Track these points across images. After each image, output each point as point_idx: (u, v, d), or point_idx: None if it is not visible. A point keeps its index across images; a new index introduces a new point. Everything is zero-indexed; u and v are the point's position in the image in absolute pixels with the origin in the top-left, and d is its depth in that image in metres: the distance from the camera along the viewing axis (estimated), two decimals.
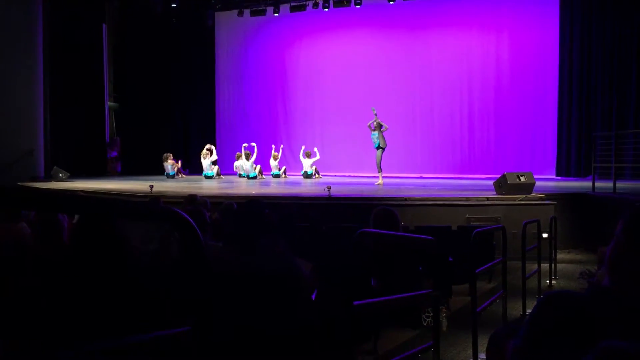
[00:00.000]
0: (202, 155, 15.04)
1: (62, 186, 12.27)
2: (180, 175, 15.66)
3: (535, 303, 1.83)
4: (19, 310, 2.23)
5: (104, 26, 16.90)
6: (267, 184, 13.52)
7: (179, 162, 16.34)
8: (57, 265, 2.64)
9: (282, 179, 14.96)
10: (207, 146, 15.10)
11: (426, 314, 4.42)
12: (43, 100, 14.61)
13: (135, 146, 17.58)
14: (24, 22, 14.12)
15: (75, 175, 14.49)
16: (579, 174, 13.55)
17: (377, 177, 12.47)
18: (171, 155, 15.56)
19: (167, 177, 15.07)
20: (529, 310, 4.93)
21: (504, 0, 14.91)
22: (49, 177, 13.93)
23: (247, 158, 14.87)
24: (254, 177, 14.70)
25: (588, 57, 13.75)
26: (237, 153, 15.37)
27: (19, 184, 12.23)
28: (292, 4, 16.30)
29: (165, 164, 15.28)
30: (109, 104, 17.62)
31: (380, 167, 12.27)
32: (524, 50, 14.51)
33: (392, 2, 14.95)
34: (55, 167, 14.23)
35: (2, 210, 4.59)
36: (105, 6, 17.07)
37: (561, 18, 14.13)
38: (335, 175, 15.58)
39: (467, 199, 8.67)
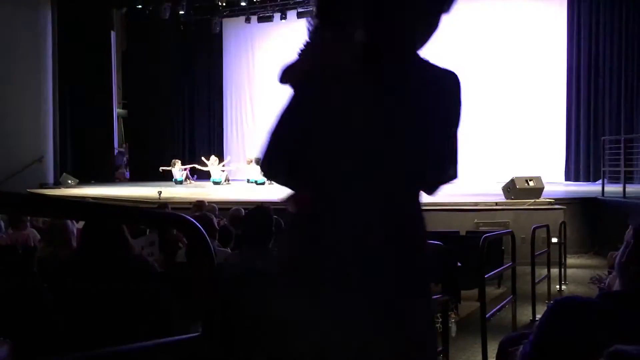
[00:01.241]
0: (209, 163, 15.13)
1: (71, 193, 12.34)
2: (188, 182, 15.70)
3: (545, 308, 1.82)
4: (28, 313, 2.25)
5: (113, 33, 17.02)
6: (275, 190, 13.53)
7: (187, 168, 16.42)
8: (65, 270, 2.66)
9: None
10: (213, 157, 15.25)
11: (435, 320, 4.41)
12: (52, 108, 14.72)
13: (143, 152, 17.66)
14: (34, 30, 14.25)
15: (84, 181, 14.58)
16: (588, 179, 13.48)
17: None
18: (179, 161, 15.63)
19: (175, 183, 15.12)
20: (538, 316, 4.89)
21: (512, 5, 14.88)
22: (58, 184, 14.02)
23: (258, 163, 14.93)
24: (262, 184, 14.74)
25: (596, 60, 13.71)
26: (247, 159, 15.41)
27: (29, 190, 12.31)
28: (299, 10, 16.34)
29: (173, 169, 15.35)
30: (118, 110, 17.73)
31: None
32: (532, 54, 14.46)
33: None
34: (64, 173, 14.33)
35: (12, 216, 4.62)
36: (114, 13, 17.20)
37: (569, 21, 14.10)
38: None
39: (476, 204, 8.64)
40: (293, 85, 1.64)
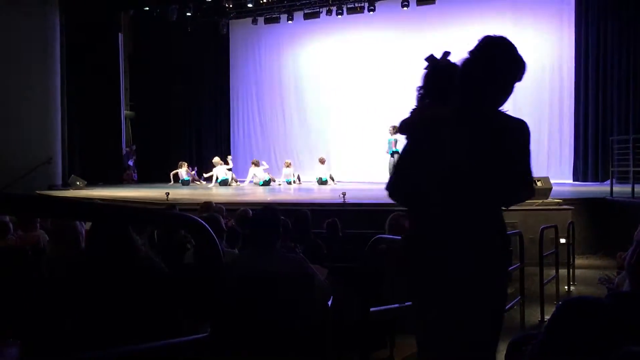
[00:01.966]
0: (214, 164, 15.24)
1: (79, 194, 12.40)
2: (195, 182, 15.83)
3: (553, 309, 1.81)
4: (38, 314, 2.26)
5: (120, 35, 17.10)
6: (283, 190, 13.55)
7: (195, 169, 16.51)
8: (74, 271, 2.67)
9: (296, 186, 14.99)
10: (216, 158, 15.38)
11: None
12: (60, 109, 14.80)
13: (151, 154, 17.73)
14: (42, 32, 14.33)
15: (92, 183, 14.64)
16: (596, 179, 13.41)
17: None
18: (186, 163, 15.77)
19: (182, 184, 15.26)
20: (547, 317, 4.87)
21: (520, 5, 14.84)
22: (67, 186, 14.09)
23: (257, 165, 15.04)
24: (267, 183, 14.80)
25: (604, 60, 13.64)
26: (255, 160, 15.48)
27: (38, 192, 12.38)
28: (306, 11, 16.35)
29: (179, 171, 15.52)
30: (125, 112, 17.80)
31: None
32: (540, 54, 14.40)
33: (405, 8, 14.95)
34: (72, 175, 14.39)
35: (21, 218, 4.65)
36: (121, 16, 17.28)
37: (577, 22, 14.04)
38: (350, 182, 15.56)
39: None
40: (408, 134, 2.30)
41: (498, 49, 2.14)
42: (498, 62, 2.13)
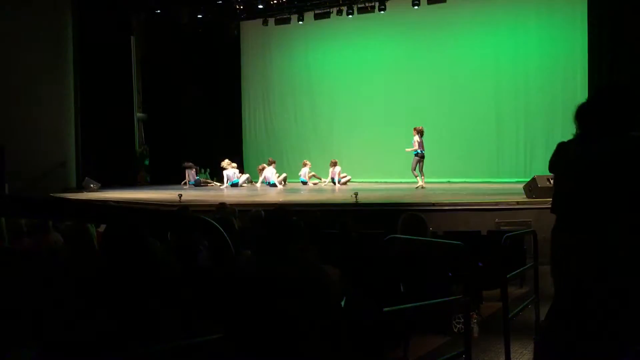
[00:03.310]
0: (224, 166, 15.37)
1: (93, 196, 12.50)
2: (208, 185, 16.00)
3: None
4: (53, 317, 2.28)
5: (132, 38, 17.21)
6: (294, 191, 13.57)
7: (206, 171, 16.67)
8: (89, 273, 2.69)
9: (309, 186, 15.01)
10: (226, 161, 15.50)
11: (457, 320, 4.38)
12: (74, 112, 14.92)
13: (163, 156, 17.82)
14: (54, 36, 14.46)
15: (106, 185, 14.75)
16: None
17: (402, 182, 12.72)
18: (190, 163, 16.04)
19: (197, 185, 15.56)
20: None
21: (532, 3, 14.72)
22: (81, 188, 14.20)
23: (269, 164, 15.16)
24: (274, 185, 14.90)
25: (619, 56, 13.49)
26: (270, 160, 15.57)
27: (52, 194, 12.49)
28: (317, 11, 16.35)
29: (188, 172, 15.82)
30: (138, 115, 17.90)
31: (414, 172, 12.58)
32: (553, 51, 14.29)
33: (416, 7, 14.89)
34: (86, 177, 14.51)
35: (37, 221, 4.69)
36: (133, 19, 17.39)
37: (590, 17, 13.90)
38: (362, 182, 15.55)
39: (497, 203, 8.56)
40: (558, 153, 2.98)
41: (614, 96, 2.80)
42: (612, 104, 2.78)
